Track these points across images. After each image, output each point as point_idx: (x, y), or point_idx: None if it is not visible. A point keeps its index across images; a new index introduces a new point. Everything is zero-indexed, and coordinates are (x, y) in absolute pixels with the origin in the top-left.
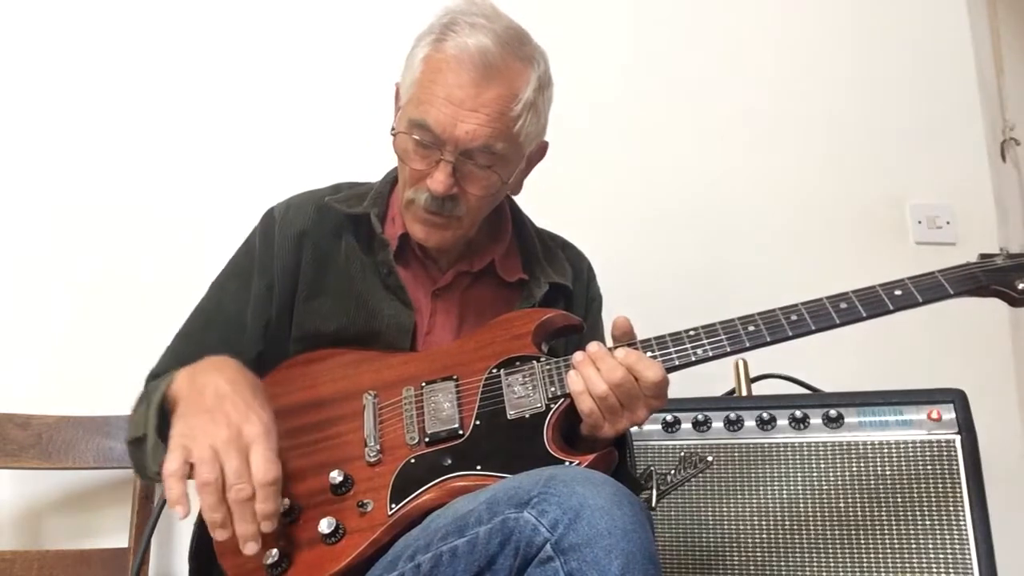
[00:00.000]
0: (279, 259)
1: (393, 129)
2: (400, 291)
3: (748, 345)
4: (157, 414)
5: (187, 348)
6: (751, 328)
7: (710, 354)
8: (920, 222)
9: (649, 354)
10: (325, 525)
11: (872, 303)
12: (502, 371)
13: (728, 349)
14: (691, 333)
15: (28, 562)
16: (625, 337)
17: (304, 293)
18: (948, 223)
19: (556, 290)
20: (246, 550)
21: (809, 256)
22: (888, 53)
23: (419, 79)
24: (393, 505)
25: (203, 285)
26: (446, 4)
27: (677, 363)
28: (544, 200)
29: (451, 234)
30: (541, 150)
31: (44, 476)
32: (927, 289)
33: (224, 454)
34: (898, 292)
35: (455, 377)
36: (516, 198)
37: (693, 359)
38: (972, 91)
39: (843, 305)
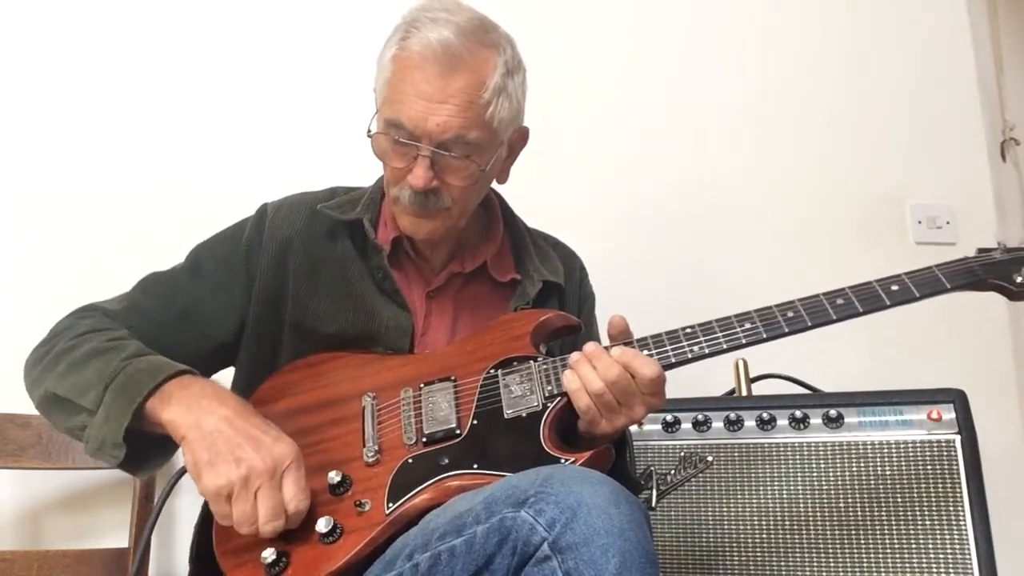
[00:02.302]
0: (265, 255)
1: (369, 131)
2: (396, 295)
3: (744, 342)
4: (131, 416)
5: (145, 301)
6: (747, 325)
7: (706, 351)
8: (920, 222)
9: (646, 352)
10: (323, 524)
11: (869, 299)
12: (499, 371)
13: (724, 346)
14: (687, 331)
15: (28, 562)
16: (621, 336)
17: (302, 292)
18: (948, 223)
19: (549, 288)
20: None
21: (809, 256)
22: (888, 53)
23: (389, 79)
24: (390, 504)
25: None
26: (411, 4)
27: (674, 361)
28: (543, 200)
29: (441, 224)
30: (522, 137)
31: (44, 476)
32: (924, 284)
33: (260, 492)
34: (895, 287)
35: (453, 378)
36: (513, 197)
37: (690, 356)
38: (972, 91)
39: (840, 301)
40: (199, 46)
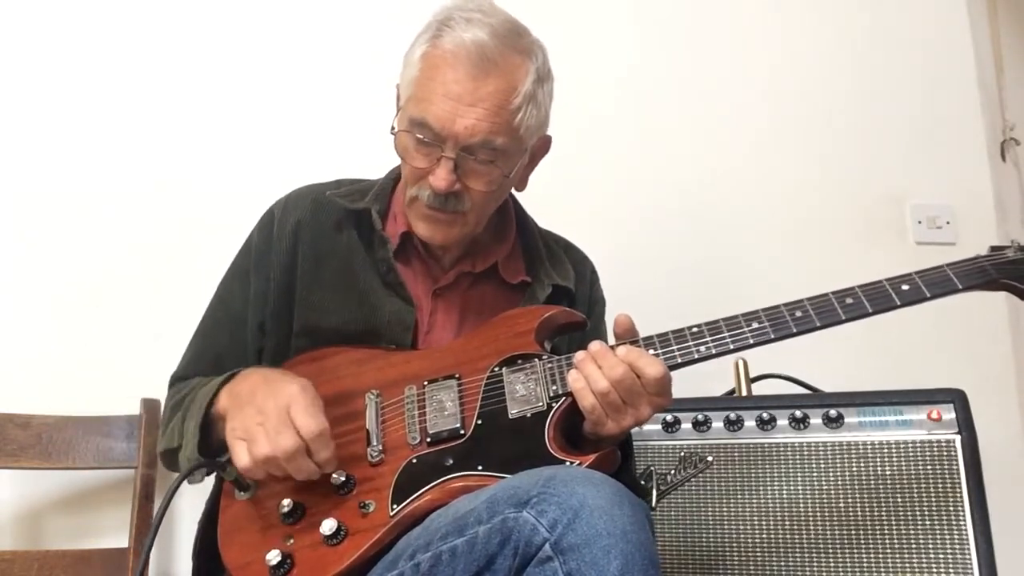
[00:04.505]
0: (276, 255)
1: (393, 128)
2: (400, 288)
3: (752, 342)
4: (199, 432)
5: (202, 345)
6: (755, 325)
7: (713, 351)
8: (920, 222)
9: (651, 351)
10: (327, 526)
11: (879, 298)
12: (504, 369)
13: (731, 347)
14: (694, 331)
15: (28, 562)
16: (627, 335)
17: (304, 287)
18: (948, 223)
19: (559, 292)
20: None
21: (809, 256)
22: (888, 53)
23: (417, 77)
24: (395, 506)
25: (203, 285)
26: (443, 2)
27: (680, 360)
28: (545, 199)
29: (457, 230)
30: (545, 144)
31: (44, 476)
32: (935, 283)
33: (266, 422)
34: (905, 287)
35: (457, 376)
36: (519, 197)
37: (696, 356)
38: (972, 91)
39: (849, 301)
40: (199, 46)
